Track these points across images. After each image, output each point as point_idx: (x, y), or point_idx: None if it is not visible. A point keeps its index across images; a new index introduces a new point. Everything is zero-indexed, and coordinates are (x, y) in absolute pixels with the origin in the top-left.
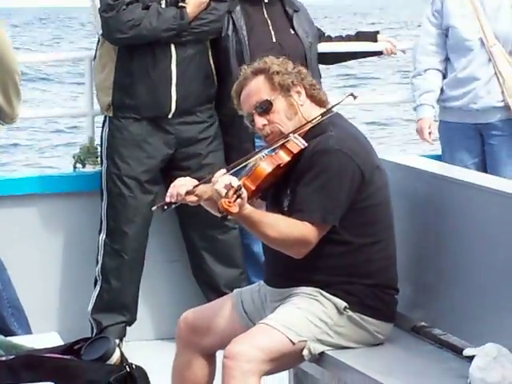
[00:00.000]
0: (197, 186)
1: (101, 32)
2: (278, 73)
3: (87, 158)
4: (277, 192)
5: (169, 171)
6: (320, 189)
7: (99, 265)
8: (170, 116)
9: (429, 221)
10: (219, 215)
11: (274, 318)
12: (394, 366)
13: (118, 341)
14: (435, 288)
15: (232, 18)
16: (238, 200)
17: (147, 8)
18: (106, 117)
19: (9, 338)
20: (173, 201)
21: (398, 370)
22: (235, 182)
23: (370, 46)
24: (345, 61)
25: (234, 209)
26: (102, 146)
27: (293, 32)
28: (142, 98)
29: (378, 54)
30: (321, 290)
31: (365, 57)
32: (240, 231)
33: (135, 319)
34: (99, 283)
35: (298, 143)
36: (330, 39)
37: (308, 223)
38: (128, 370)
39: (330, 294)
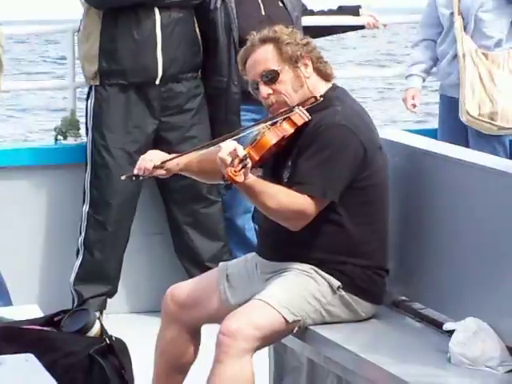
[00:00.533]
0: (166, 161)
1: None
2: (287, 43)
3: (68, 130)
4: (276, 163)
5: (153, 142)
6: (322, 163)
7: (82, 236)
8: (157, 82)
9: (410, 195)
10: (209, 183)
11: (269, 294)
12: (374, 341)
13: (98, 313)
14: (416, 262)
15: None
16: (244, 169)
17: None
18: (90, 87)
19: None
20: (140, 173)
21: (378, 344)
22: (241, 150)
23: (353, 19)
24: (327, 35)
25: (240, 178)
26: (86, 117)
27: (281, 5)
28: (128, 62)
29: (360, 27)
30: (316, 268)
31: (347, 31)
32: (222, 204)
33: (116, 291)
34: (81, 254)
35: (302, 115)
36: (312, 13)
37: (308, 197)
38: (108, 342)
39: (325, 272)
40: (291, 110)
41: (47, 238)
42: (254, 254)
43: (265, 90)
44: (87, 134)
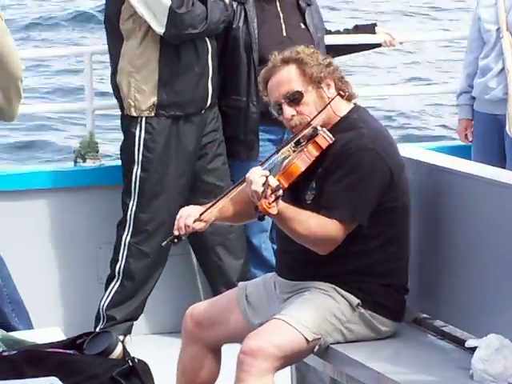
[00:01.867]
0: (203, 212)
1: (162, 30)
2: (309, 65)
3: (87, 152)
4: (296, 185)
5: None
6: (351, 187)
7: (121, 263)
8: (203, 111)
9: (430, 212)
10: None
11: (289, 313)
12: (396, 359)
13: (121, 336)
14: (437, 280)
15: (244, 9)
16: (277, 200)
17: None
18: (135, 118)
19: (11, 333)
20: (182, 233)
21: (400, 362)
22: (273, 181)
23: (370, 38)
24: (345, 54)
25: (274, 210)
26: (135, 148)
27: (303, 27)
28: (189, 94)
29: (377, 46)
30: (335, 287)
31: (364, 50)
32: None
33: (141, 314)
34: (118, 280)
35: (327, 138)
36: (328, 33)
37: (336, 221)
38: (130, 364)
39: (344, 290)
40: (315, 130)
41: (68, 260)
42: (273, 273)
43: (289, 112)
44: (129, 163)
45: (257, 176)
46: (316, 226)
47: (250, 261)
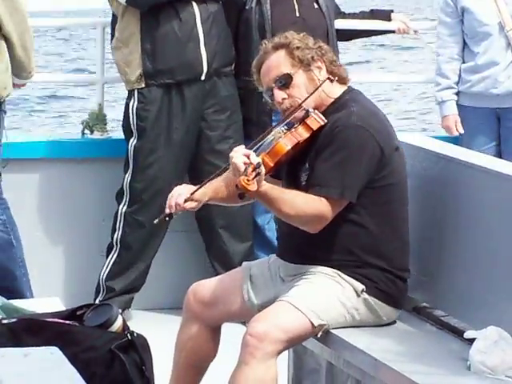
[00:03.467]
0: (194, 191)
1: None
2: (298, 48)
3: (95, 124)
4: (293, 167)
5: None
6: (339, 164)
7: (118, 233)
8: (202, 78)
9: (434, 202)
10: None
11: (297, 296)
12: (394, 346)
13: (121, 309)
14: (438, 269)
15: None
16: (257, 177)
17: None
18: (131, 91)
19: (10, 301)
20: (172, 211)
21: (398, 350)
22: (254, 158)
23: (384, 24)
24: (358, 38)
25: (253, 186)
26: (128, 119)
27: (316, 7)
28: (174, 61)
29: (391, 32)
30: (339, 272)
31: (377, 35)
32: None
33: (141, 287)
34: (116, 251)
35: (317, 119)
36: (343, 16)
37: (325, 199)
38: (129, 337)
39: (348, 275)
40: (307, 112)
41: (71, 231)
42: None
43: (279, 95)
44: (128, 135)
45: (239, 153)
46: (303, 204)
47: (255, 244)
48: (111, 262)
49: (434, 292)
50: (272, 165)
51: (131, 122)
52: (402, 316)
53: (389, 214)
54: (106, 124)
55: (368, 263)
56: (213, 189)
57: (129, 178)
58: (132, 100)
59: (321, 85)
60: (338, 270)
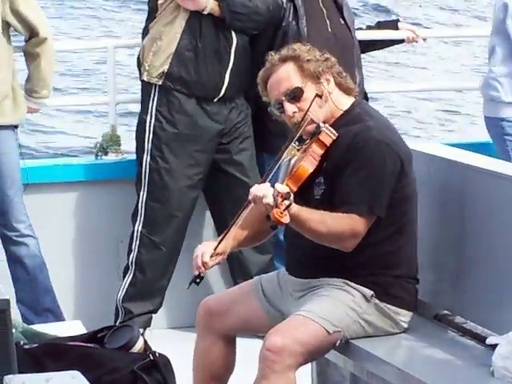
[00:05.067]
0: (217, 246)
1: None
2: (308, 60)
3: (109, 146)
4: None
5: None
6: (365, 180)
7: (134, 254)
8: (215, 100)
9: (452, 209)
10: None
11: (308, 309)
12: (416, 355)
13: (141, 329)
14: (458, 276)
15: (294, 5)
16: (289, 207)
17: None
18: (149, 87)
19: (31, 326)
20: (201, 271)
21: (420, 358)
22: (281, 188)
23: (393, 34)
24: (369, 51)
25: (286, 218)
26: (145, 135)
27: (343, 22)
28: (198, 74)
29: (400, 42)
30: (347, 281)
31: (387, 46)
32: None
33: (160, 307)
34: (132, 272)
35: (329, 134)
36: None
37: (355, 215)
38: (152, 358)
39: (356, 283)
40: (318, 127)
41: (88, 253)
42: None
43: (290, 108)
44: (141, 151)
45: (265, 189)
46: (334, 222)
47: (275, 256)
48: (127, 284)
49: (453, 299)
50: (296, 189)
51: (146, 139)
52: (423, 324)
53: (400, 225)
54: (120, 145)
55: (377, 272)
56: (233, 237)
57: (144, 197)
58: (149, 112)
59: (312, 101)
60: (347, 279)
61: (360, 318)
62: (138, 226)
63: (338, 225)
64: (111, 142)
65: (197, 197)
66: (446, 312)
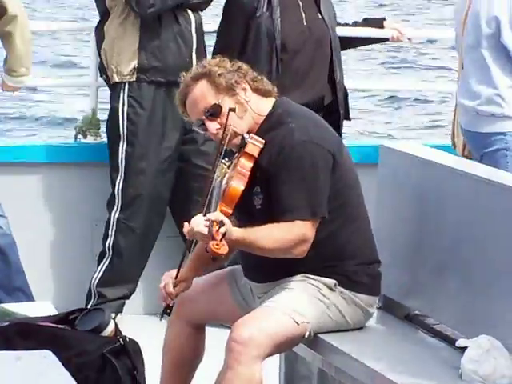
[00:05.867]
0: (177, 274)
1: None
2: (220, 75)
3: (89, 129)
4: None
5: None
6: (300, 185)
7: (110, 240)
8: None
9: (428, 210)
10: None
11: (276, 300)
12: (385, 353)
13: (113, 314)
14: (431, 278)
15: None
16: (225, 236)
17: None
18: (118, 85)
19: (2, 305)
20: (168, 302)
21: (389, 356)
22: (214, 216)
23: (378, 32)
24: (352, 47)
25: (224, 249)
26: (119, 122)
27: (320, 16)
28: (170, 60)
29: (385, 40)
30: (307, 274)
31: (371, 43)
32: None
33: (133, 293)
34: (108, 257)
35: (256, 143)
36: (338, 25)
37: (299, 221)
38: (121, 342)
39: (317, 275)
40: (243, 139)
41: (63, 235)
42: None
43: (212, 126)
44: (115, 137)
45: (197, 221)
46: (281, 233)
47: None
48: (103, 269)
49: (426, 300)
50: (231, 211)
51: (120, 125)
52: (394, 323)
53: (347, 215)
54: (99, 129)
55: (335, 265)
56: (190, 265)
57: (120, 184)
58: (121, 102)
59: (227, 118)
60: (305, 273)
61: (327, 308)
62: (115, 212)
63: (284, 235)
64: (91, 125)
65: (172, 180)
66: (417, 312)
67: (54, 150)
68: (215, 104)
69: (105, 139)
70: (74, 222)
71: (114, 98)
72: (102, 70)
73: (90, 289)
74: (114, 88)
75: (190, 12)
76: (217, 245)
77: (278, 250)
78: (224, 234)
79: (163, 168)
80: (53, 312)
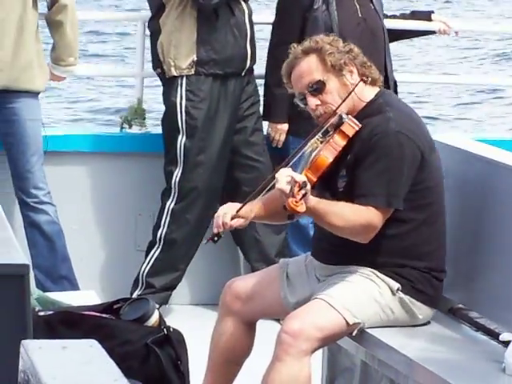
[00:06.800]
0: (239, 209)
1: None
2: (330, 53)
3: (134, 119)
4: (327, 174)
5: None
6: (382, 172)
7: (162, 230)
8: (243, 73)
9: (471, 203)
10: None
11: (332, 295)
12: (429, 347)
13: (157, 305)
14: (475, 271)
15: None
16: (305, 197)
17: None
18: (175, 78)
19: (47, 294)
20: (220, 231)
21: (432, 350)
22: (299, 176)
23: (424, 25)
24: (400, 39)
25: (302, 207)
26: (178, 116)
27: (372, 7)
28: (227, 52)
29: (431, 33)
30: (375, 271)
31: (418, 36)
32: None
33: (179, 283)
34: (159, 247)
35: (352, 125)
36: (385, 17)
37: (372, 208)
38: (165, 332)
39: (384, 275)
40: (340, 118)
41: (107, 225)
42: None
43: (313, 102)
44: (172, 131)
45: (283, 175)
46: (352, 215)
47: (293, 238)
48: (153, 258)
49: (469, 293)
50: (315, 180)
51: (179, 119)
52: (438, 317)
53: (427, 216)
54: (144, 119)
55: (405, 264)
56: (258, 206)
57: (178, 176)
58: (179, 92)
59: (354, 88)
60: (374, 269)
61: (382, 310)
62: (171, 203)
63: (356, 217)
64: (136, 114)
65: (224, 172)
66: (460, 306)
67: (100, 139)
68: (320, 80)
69: (150, 129)
70: (118, 212)
71: (171, 92)
72: (157, 63)
73: (137, 277)
74: (170, 81)
75: (243, 3)
76: (295, 202)
77: (344, 229)
78: (304, 195)
79: (218, 160)
80: (96, 301)
